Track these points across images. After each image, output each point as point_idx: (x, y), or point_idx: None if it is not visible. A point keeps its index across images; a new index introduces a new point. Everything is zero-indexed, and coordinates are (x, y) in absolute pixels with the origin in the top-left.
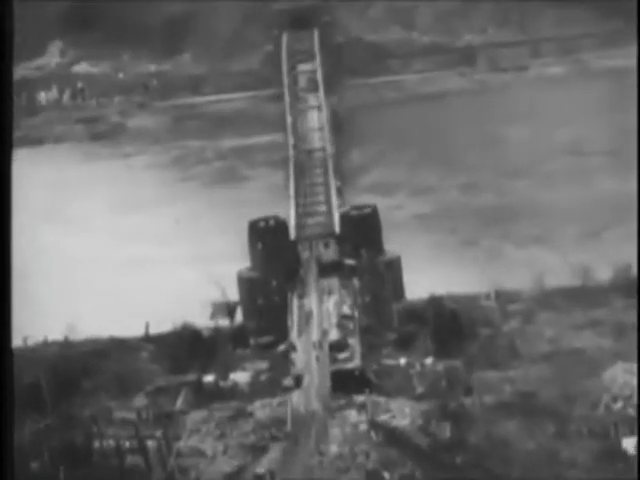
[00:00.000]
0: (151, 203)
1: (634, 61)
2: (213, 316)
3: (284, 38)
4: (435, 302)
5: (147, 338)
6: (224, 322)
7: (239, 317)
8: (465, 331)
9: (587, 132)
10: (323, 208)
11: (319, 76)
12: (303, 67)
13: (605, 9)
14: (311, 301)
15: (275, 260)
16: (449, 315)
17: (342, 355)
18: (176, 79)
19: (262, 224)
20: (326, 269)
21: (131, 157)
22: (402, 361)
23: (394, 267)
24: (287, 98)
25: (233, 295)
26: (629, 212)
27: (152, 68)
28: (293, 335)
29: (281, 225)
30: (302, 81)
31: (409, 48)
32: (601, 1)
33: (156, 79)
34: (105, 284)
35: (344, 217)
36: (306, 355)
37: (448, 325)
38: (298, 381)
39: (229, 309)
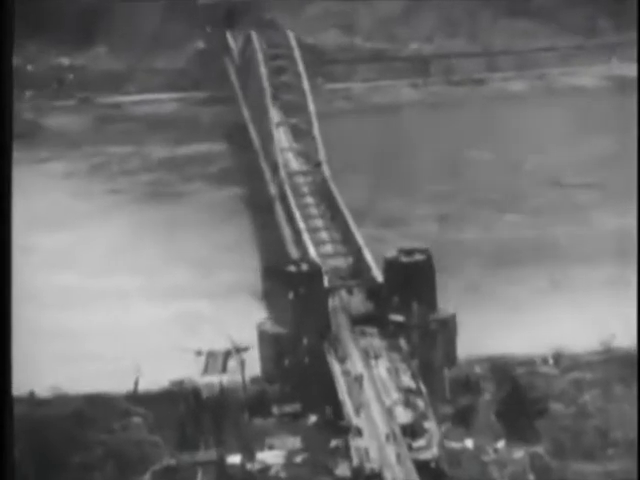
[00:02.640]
0: (77, 221)
1: (599, 81)
2: (207, 371)
3: (254, 38)
4: (494, 368)
5: (135, 398)
6: (226, 378)
7: (248, 372)
8: (534, 406)
9: (561, 160)
10: (330, 248)
11: (305, 84)
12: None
13: (561, 24)
14: (356, 366)
15: (308, 313)
16: (511, 385)
17: (417, 443)
18: (94, 74)
19: (293, 269)
20: (358, 323)
21: (48, 162)
22: (469, 444)
23: (449, 327)
24: (270, 110)
25: (207, 342)
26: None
27: (65, 61)
28: (349, 412)
29: (316, 270)
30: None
31: (352, 54)
32: (555, 16)
33: (71, 73)
34: (51, 323)
35: (391, 263)
36: (374, 440)
37: (512, 398)
38: (360, 474)
39: (225, 361)
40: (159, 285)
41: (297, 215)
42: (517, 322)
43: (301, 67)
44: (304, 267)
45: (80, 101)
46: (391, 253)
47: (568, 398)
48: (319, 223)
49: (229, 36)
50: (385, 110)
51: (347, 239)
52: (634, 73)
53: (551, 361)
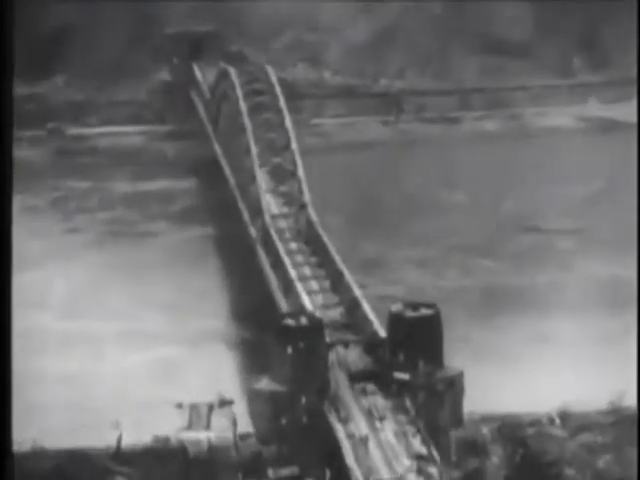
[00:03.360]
0: (39, 261)
1: (575, 121)
2: (191, 426)
3: (231, 73)
4: (500, 428)
5: (118, 456)
6: (213, 435)
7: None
8: (549, 472)
9: (538, 203)
10: (320, 298)
11: (287, 122)
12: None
13: (534, 61)
14: (359, 428)
15: (308, 370)
16: (521, 448)
17: None
18: (53, 105)
19: (291, 322)
20: (357, 380)
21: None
22: None
23: (456, 385)
24: (252, 149)
25: (186, 393)
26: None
27: (23, 90)
28: None
29: (316, 324)
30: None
31: (321, 89)
32: (528, 53)
33: (29, 103)
34: (18, 369)
35: (397, 318)
36: None
37: (524, 462)
38: None
39: (209, 415)
40: (130, 331)
41: (287, 262)
42: (515, 376)
43: (283, 104)
44: (303, 321)
45: (50, 132)
46: (396, 307)
47: (581, 463)
48: (306, 271)
49: (196, 68)
50: (357, 148)
51: (338, 288)
52: (612, 114)
53: (557, 421)
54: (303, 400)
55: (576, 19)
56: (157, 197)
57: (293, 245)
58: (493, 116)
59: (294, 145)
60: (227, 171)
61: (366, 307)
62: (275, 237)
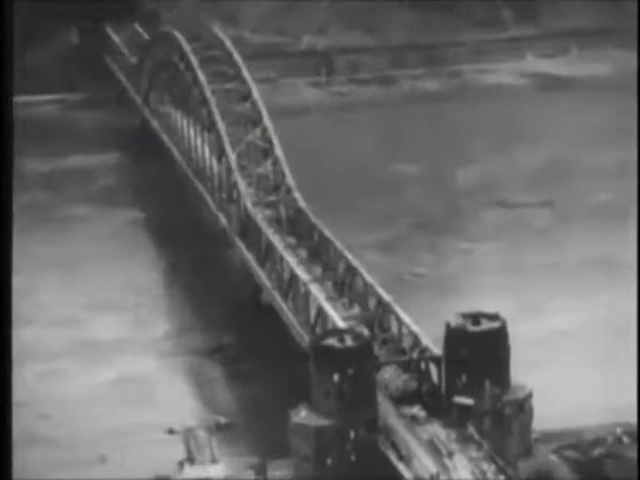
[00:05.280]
0: None
1: (516, 78)
2: (192, 459)
3: (179, 37)
4: (563, 451)
5: None
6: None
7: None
8: None
9: (497, 173)
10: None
11: (255, 93)
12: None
13: (462, 17)
14: (425, 466)
15: (357, 400)
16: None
17: None
18: None
19: (336, 344)
20: (401, 403)
21: None
22: None
23: (525, 409)
24: (220, 124)
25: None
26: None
27: None
28: None
29: (365, 345)
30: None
31: (242, 49)
32: (456, 6)
33: None
34: None
35: (457, 333)
36: None
37: None
38: None
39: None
40: (83, 341)
41: (292, 262)
42: (542, 380)
43: (246, 73)
44: (349, 342)
45: None
46: (456, 320)
47: None
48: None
49: (110, 31)
50: (291, 114)
51: (350, 293)
52: (552, 70)
53: (625, 439)
54: (352, 435)
55: None
56: (76, 175)
57: (277, 237)
58: (431, 74)
59: (266, 120)
60: (173, 149)
61: (405, 317)
62: (264, 228)
